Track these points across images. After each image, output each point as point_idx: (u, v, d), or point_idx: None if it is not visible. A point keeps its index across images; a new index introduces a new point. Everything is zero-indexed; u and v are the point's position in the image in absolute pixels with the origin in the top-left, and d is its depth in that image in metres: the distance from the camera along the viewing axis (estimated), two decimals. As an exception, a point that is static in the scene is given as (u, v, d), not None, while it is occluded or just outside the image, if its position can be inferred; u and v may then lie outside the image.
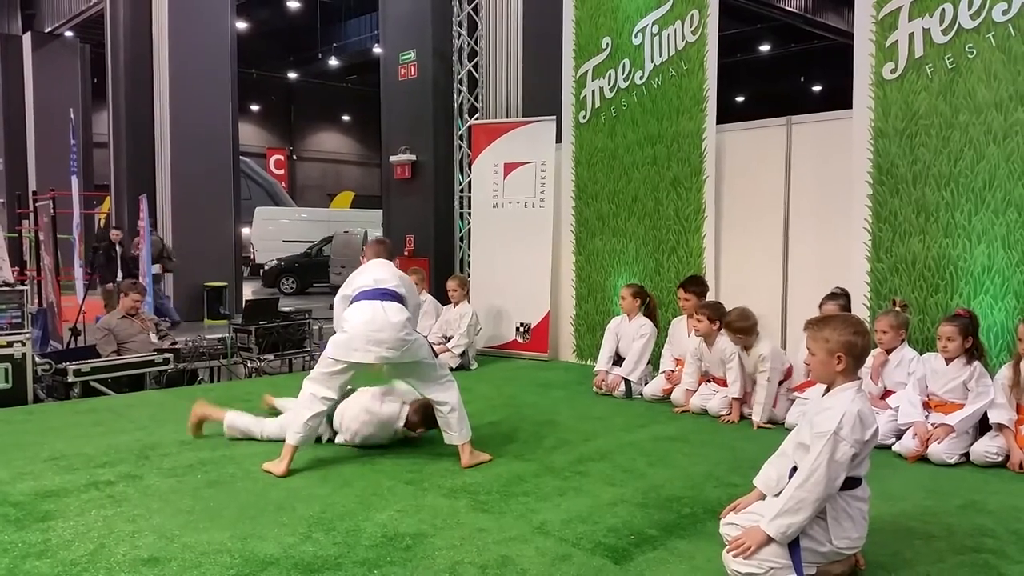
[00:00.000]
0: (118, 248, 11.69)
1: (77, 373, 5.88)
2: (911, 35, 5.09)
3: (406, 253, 9.07)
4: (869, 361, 4.77)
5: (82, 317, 8.67)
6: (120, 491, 3.66)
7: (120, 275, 11.46)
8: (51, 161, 17.42)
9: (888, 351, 4.75)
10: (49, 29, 18.87)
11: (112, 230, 11.59)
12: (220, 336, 7.08)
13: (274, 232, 23.88)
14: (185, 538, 3.10)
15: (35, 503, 3.49)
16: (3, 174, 19.12)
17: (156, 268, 12.03)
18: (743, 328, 5.09)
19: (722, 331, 5.26)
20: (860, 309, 5.28)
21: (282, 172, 34.09)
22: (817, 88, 29.83)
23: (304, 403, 4.05)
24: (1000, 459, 4.16)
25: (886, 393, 4.74)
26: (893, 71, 5.19)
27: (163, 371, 6.37)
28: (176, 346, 6.75)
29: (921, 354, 4.68)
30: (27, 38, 18.78)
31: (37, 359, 5.95)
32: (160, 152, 13.39)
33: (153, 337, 6.78)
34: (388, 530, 3.21)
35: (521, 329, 7.73)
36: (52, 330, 9.15)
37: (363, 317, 4.00)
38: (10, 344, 5.60)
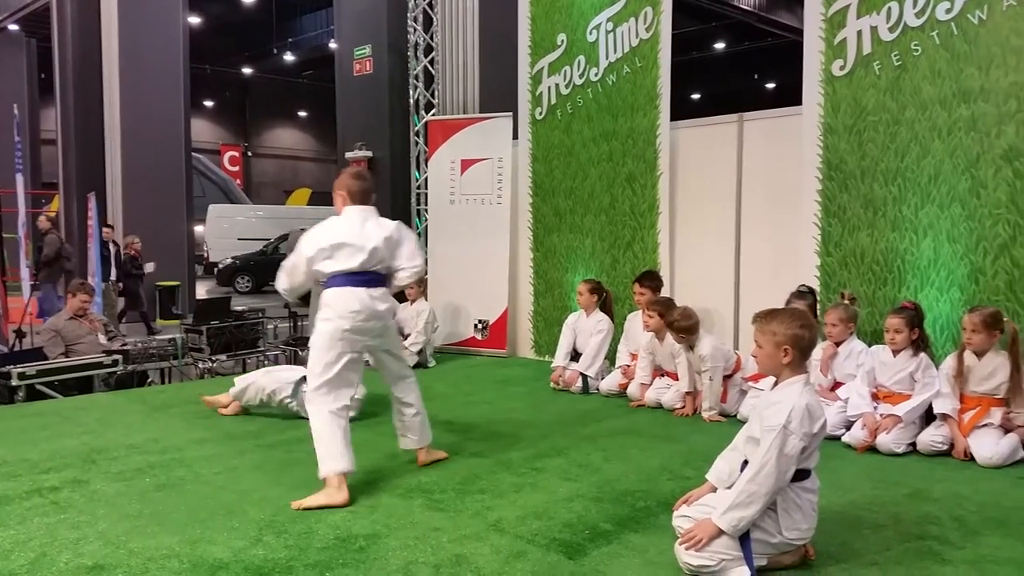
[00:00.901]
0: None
1: (22, 376, 5.71)
2: (859, 32, 5.17)
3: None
4: (818, 353, 4.86)
5: (28, 318, 8.44)
6: (65, 497, 3.57)
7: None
8: (-6, 158, 16.93)
9: (837, 344, 4.84)
10: (-8, 22, 18.31)
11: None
12: (171, 337, 6.94)
13: (228, 230, 23.53)
14: (132, 544, 3.03)
15: (-26, 511, 3.39)
16: (-55, 172, 18.51)
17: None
18: (685, 327, 5.13)
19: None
20: (811, 303, 5.36)
21: (237, 169, 33.59)
22: (771, 85, 30.24)
23: (325, 430, 3.61)
24: (945, 448, 4.26)
25: (836, 385, 4.82)
26: (842, 68, 5.27)
27: (112, 373, 6.22)
28: (126, 347, 6.61)
29: (870, 346, 4.78)
30: (-32, 31, 18.22)
31: (-21, 362, 5.77)
32: (110, 149, 13.11)
33: (102, 338, 6.62)
34: (341, 531, 3.17)
35: (479, 326, 7.71)
36: (-4, 332, 8.90)
37: (350, 307, 3.71)
38: (-50, 347, 5.43)
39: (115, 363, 6.22)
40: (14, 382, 5.68)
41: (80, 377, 6.07)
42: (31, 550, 2.97)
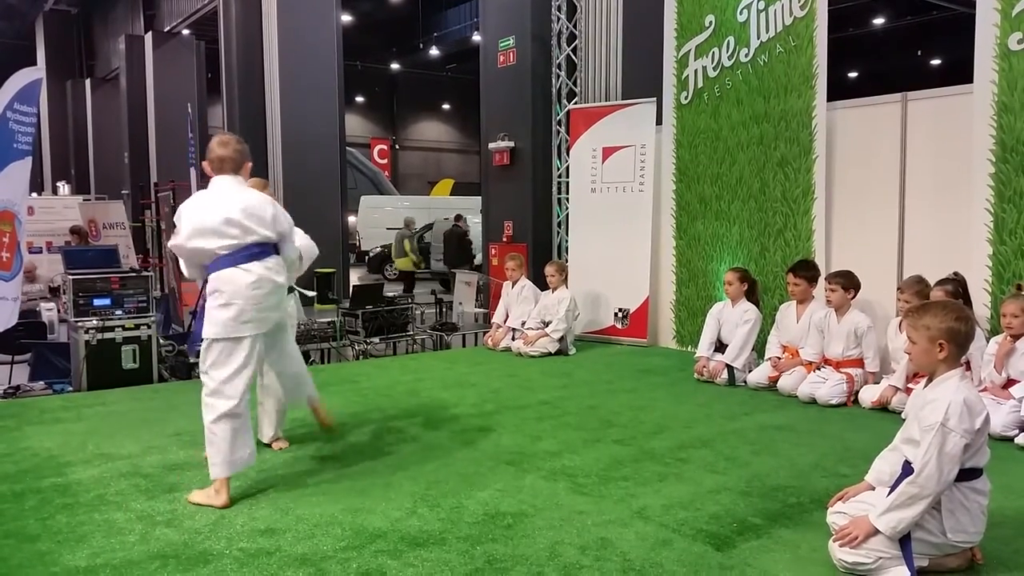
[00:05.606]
0: None
1: (199, 354, 6.20)
2: (1041, 1, 4.76)
3: (504, 239, 9.15)
4: (993, 348, 4.54)
5: (201, 301, 9.10)
6: (238, 465, 3.86)
7: None
8: (171, 153, 18.33)
9: (1015, 338, 4.49)
10: (168, 28, 19.84)
11: None
12: (330, 320, 7.33)
13: (378, 219, 24.45)
14: (299, 511, 3.26)
15: (162, 475, 3.74)
16: (127, 167, 20.31)
17: None
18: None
19: (854, 302, 5.34)
20: (980, 294, 5.01)
21: (385, 161, 34.87)
22: (935, 62, 28.18)
23: (218, 436, 3.39)
24: None
25: (1010, 382, 4.48)
26: (1020, 41, 4.86)
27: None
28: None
29: (1049, 342, 4.40)
30: (148, 37, 19.83)
31: (161, 340, 6.32)
32: (272, 144, 13.93)
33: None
34: (490, 508, 3.27)
35: (620, 314, 7.68)
36: (173, 314, 9.69)
37: (250, 283, 3.50)
38: (137, 327, 5.98)
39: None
40: (192, 359, 6.18)
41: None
42: (212, 512, 3.26)
